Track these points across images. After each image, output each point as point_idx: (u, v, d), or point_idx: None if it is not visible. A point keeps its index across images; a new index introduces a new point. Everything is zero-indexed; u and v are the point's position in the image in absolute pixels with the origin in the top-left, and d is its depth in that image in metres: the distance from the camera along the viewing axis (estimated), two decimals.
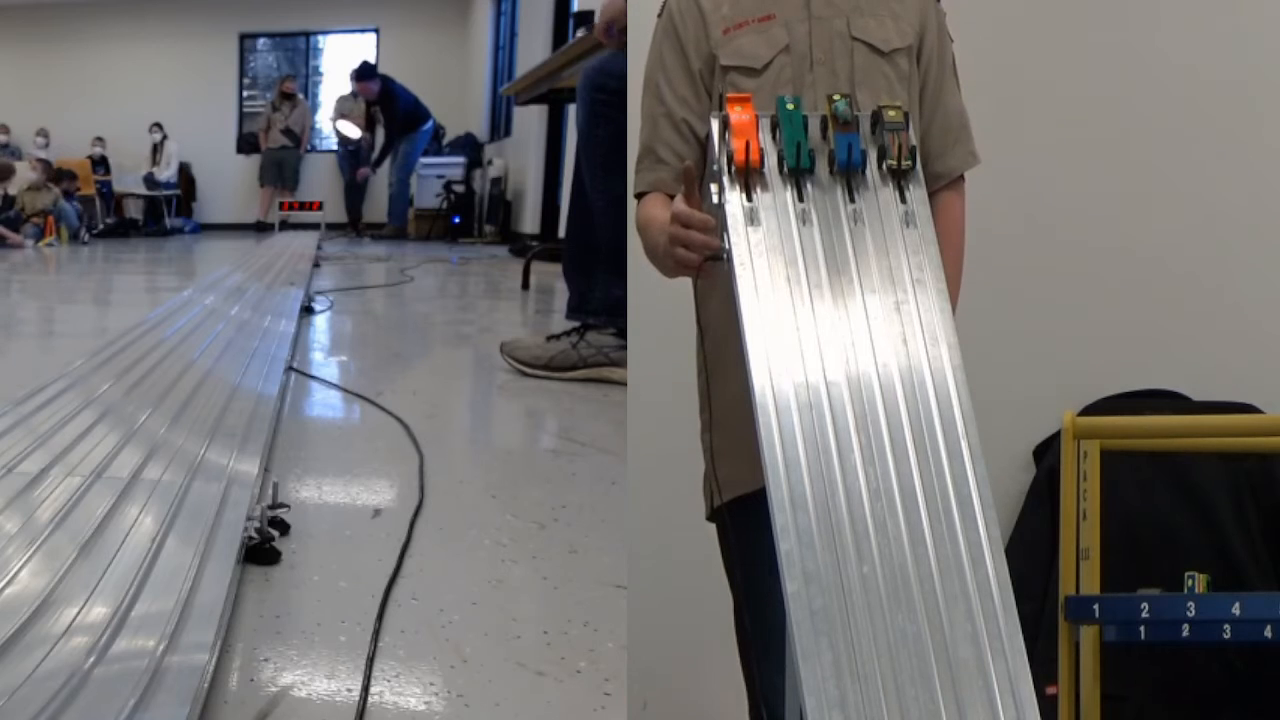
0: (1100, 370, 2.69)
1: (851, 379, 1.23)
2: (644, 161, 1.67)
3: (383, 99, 13.22)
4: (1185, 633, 2.09)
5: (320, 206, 13.73)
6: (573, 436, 2.81)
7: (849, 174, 1.35)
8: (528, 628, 1.61)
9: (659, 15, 1.70)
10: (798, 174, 1.34)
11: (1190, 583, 2.27)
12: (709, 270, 1.43)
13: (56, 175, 12.83)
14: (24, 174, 12.49)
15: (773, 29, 1.62)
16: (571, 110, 6.17)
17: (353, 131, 13.81)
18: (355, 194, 14.17)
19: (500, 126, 13.08)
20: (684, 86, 1.65)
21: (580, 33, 5.88)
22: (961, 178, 1.71)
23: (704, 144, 1.60)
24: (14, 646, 1.33)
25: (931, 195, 1.69)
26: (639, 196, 1.68)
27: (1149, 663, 2.43)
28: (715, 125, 1.38)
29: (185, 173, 15.13)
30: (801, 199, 1.33)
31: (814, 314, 1.26)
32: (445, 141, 13.63)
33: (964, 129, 1.71)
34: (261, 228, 13.92)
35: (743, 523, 1.54)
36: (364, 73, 13.34)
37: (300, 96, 14.99)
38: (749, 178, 1.34)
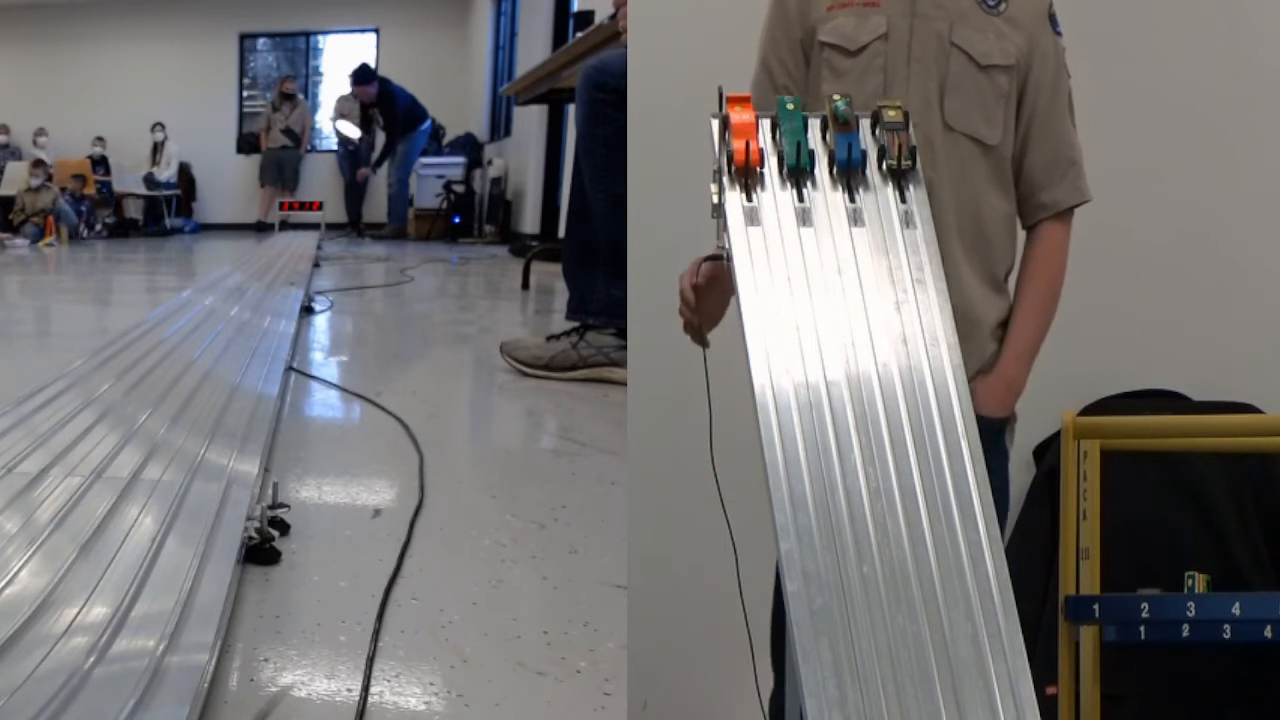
0: (1100, 370, 2.69)
1: (851, 379, 1.23)
2: None
3: (381, 101, 13.22)
4: (1185, 633, 2.09)
5: (320, 206, 13.73)
6: (573, 436, 2.81)
7: (849, 174, 1.35)
8: (528, 628, 1.61)
9: None
10: (798, 174, 1.34)
11: (1190, 583, 2.27)
12: (714, 256, 1.45)
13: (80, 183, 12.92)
14: (23, 174, 12.50)
15: (874, 16, 1.66)
16: (571, 110, 6.17)
17: (352, 131, 13.81)
18: (355, 194, 14.16)
19: (500, 126, 13.08)
20: (785, 51, 1.72)
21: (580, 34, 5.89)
22: (1070, 212, 1.73)
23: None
24: (14, 646, 1.33)
25: (1036, 225, 1.72)
26: None
27: (1149, 663, 2.43)
28: (715, 125, 1.38)
29: (185, 173, 15.13)
30: (801, 199, 1.33)
31: (814, 314, 1.26)
32: (445, 141, 13.63)
33: (1074, 164, 1.73)
34: (262, 228, 13.92)
35: None
36: (362, 76, 13.33)
37: (300, 97, 14.99)
38: (749, 178, 1.34)
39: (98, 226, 13.32)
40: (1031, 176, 1.71)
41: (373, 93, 13.20)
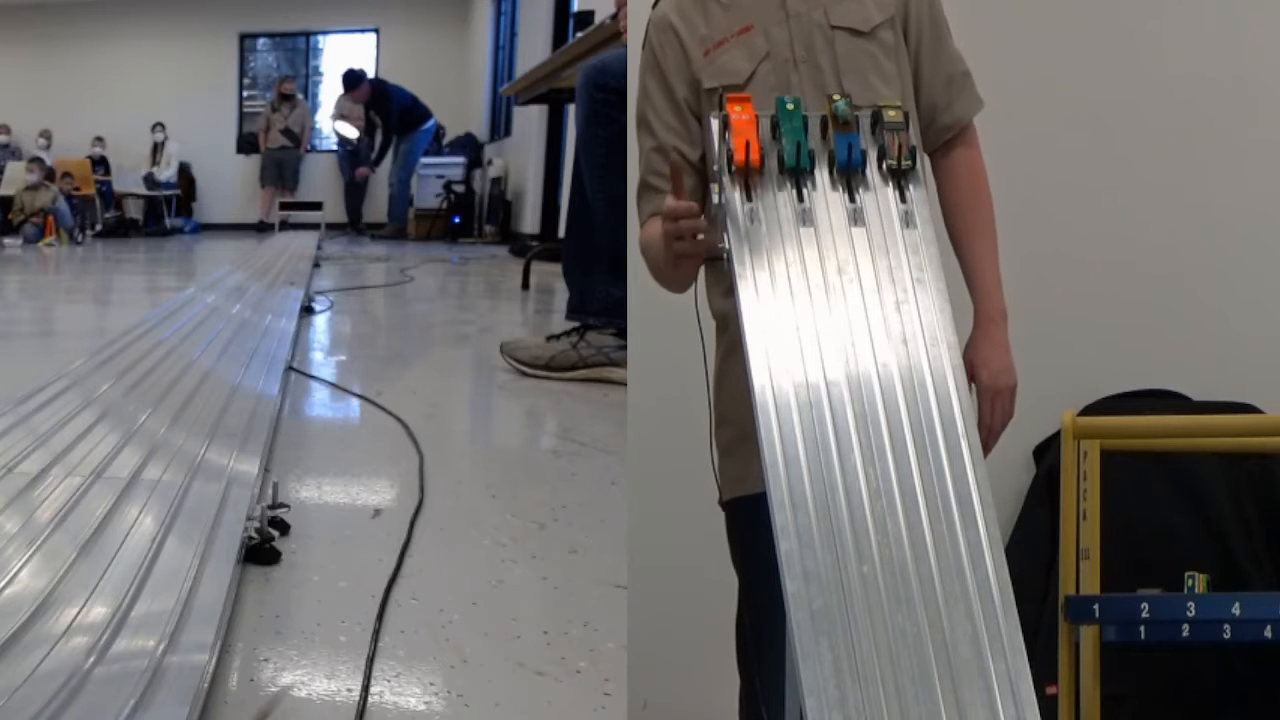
0: (1100, 370, 2.69)
1: (851, 379, 1.23)
2: (642, 196, 1.67)
3: (375, 101, 13.23)
4: (1185, 633, 2.09)
5: (320, 206, 13.73)
6: (573, 436, 2.81)
7: (849, 174, 1.35)
8: (528, 628, 1.62)
9: (643, 48, 1.69)
10: (798, 174, 1.34)
11: (1190, 583, 2.27)
12: (712, 257, 1.42)
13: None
14: (22, 174, 12.50)
15: (752, 39, 1.60)
16: (571, 110, 6.17)
17: (349, 132, 13.82)
18: (355, 194, 14.17)
19: (500, 126, 13.08)
20: (670, 116, 1.64)
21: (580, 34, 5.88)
22: (971, 126, 1.70)
23: (697, 169, 1.60)
24: (14, 646, 1.33)
25: (944, 147, 1.67)
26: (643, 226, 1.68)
27: (1149, 663, 2.43)
28: (715, 125, 1.38)
29: (185, 173, 15.13)
30: (801, 199, 1.33)
31: (814, 314, 1.26)
32: (445, 141, 13.64)
33: (966, 76, 1.69)
34: (262, 228, 13.93)
35: (747, 520, 1.54)
36: (350, 81, 13.35)
37: (300, 97, 15.00)
38: (749, 178, 1.34)
39: (98, 226, 13.31)
40: (931, 101, 1.67)
41: (365, 95, 13.22)
